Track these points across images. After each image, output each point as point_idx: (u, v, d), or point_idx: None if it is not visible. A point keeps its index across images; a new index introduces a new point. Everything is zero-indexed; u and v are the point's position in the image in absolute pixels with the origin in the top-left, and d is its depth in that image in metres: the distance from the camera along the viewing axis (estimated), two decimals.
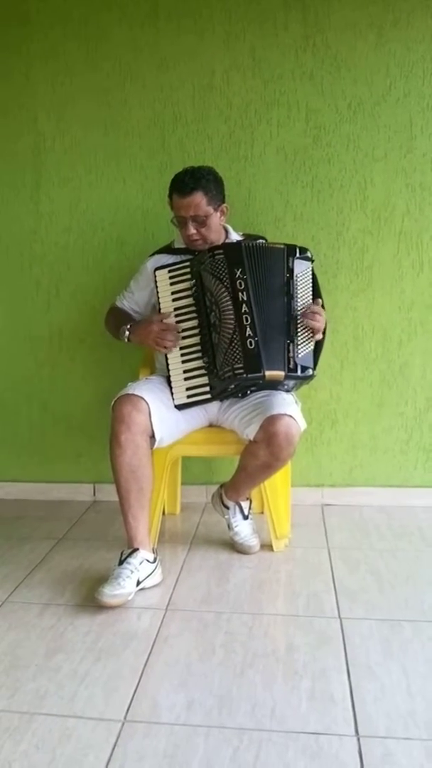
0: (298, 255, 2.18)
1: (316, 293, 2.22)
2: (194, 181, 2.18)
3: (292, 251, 2.17)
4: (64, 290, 2.86)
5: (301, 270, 2.18)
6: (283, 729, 1.43)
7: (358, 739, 1.39)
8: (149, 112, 2.70)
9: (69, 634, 1.82)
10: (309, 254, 2.22)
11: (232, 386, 2.13)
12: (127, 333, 2.27)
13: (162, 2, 2.63)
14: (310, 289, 2.20)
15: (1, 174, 2.81)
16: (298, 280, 2.16)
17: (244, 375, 2.06)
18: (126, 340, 2.28)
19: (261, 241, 2.38)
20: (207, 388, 2.17)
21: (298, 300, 2.15)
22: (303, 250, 2.20)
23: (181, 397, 2.19)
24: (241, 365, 2.06)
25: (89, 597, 2.02)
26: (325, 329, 2.20)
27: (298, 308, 2.14)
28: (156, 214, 2.73)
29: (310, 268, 2.22)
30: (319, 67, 2.60)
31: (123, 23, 2.66)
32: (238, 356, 2.07)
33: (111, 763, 1.33)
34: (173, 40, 2.64)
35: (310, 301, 2.19)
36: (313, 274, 2.23)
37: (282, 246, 2.18)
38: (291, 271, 2.15)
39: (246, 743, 1.38)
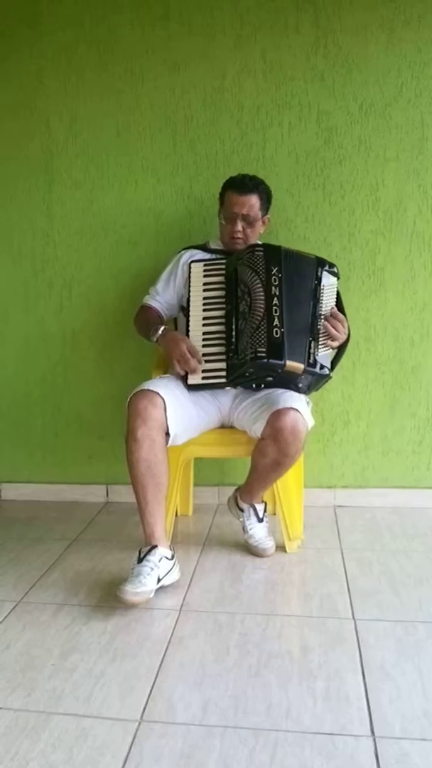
0: (327, 268, 2.27)
1: (340, 309, 2.28)
2: (254, 184, 2.34)
3: (322, 263, 2.27)
4: (76, 292, 2.87)
5: (328, 283, 2.25)
6: (299, 729, 1.43)
7: (374, 740, 1.40)
8: (161, 114, 2.71)
9: (84, 634, 1.83)
10: (336, 270, 2.31)
11: (251, 370, 2.13)
12: (159, 333, 2.27)
13: (173, 4, 2.64)
14: (334, 302, 2.26)
15: (14, 176, 2.83)
16: (324, 289, 2.23)
17: (266, 359, 2.08)
18: (155, 340, 2.29)
19: None
20: (223, 373, 2.18)
21: (323, 306, 2.21)
22: (332, 265, 2.29)
23: (196, 378, 2.19)
24: (264, 349, 2.09)
25: (104, 598, 2.03)
26: (346, 343, 2.26)
27: (323, 313, 2.21)
28: (167, 216, 2.74)
29: (336, 284, 2.29)
30: (331, 69, 2.60)
31: (135, 25, 2.67)
32: (262, 341, 2.10)
33: (128, 762, 1.34)
34: (185, 43, 2.65)
35: (333, 308, 2.25)
36: (338, 292, 2.30)
37: (313, 257, 2.28)
38: (319, 279, 2.23)
39: (262, 743, 1.39)
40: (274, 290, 2.15)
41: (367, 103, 2.61)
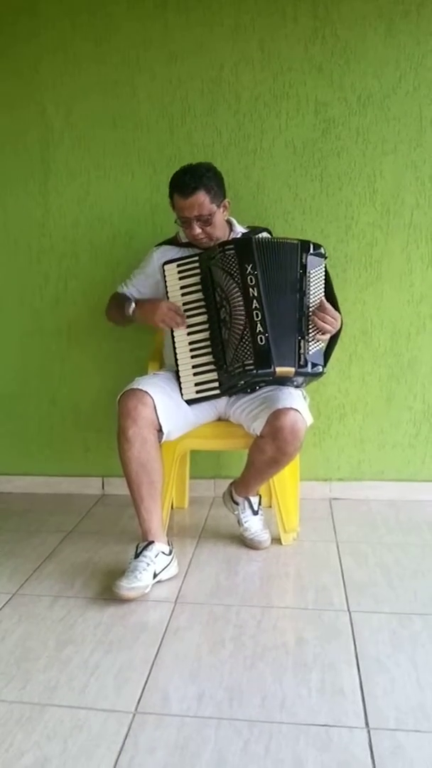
0: (311, 251, 2.17)
1: (330, 292, 2.21)
2: (195, 180, 2.16)
3: (306, 247, 2.16)
4: (72, 284, 2.86)
5: (314, 266, 2.17)
6: (294, 721, 1.43)
7: (368, 732, 1.40)
8: (158, 105, 2.69)
9: (79, 626, 1.83)
10: (322, 251, 2.21)
11: (242, 382, 2.13)
12: (133, 306, 2.27)
13: None
14: (323, 285, 2.19)
15: (10, 167, 2.81)
16: (311, 276, 2.15)
17: (255, 371, 2.06)
18: (130, 312, 2.27)
19: (265, 234, 2.37)
20: (216, 384, 2.17)
21: (310, 296, 2.14)
22: (317, 246, 2.19)
23: (190, 393, 2.19)
24: (251, 361, 2.06)
25: (99, 590, 2.03)
26: (339, 332, 2.20)
27: (310, 305, 2.14)
28: (164, 208, 2.69)
29: (324, 265, 2.21)
30: (329, 60, 2.59)
31: (131, 16, 2.65)
32: (248, 352, 2.07)
33: (122, 754, 1.34)
34: (182, 33, 2.63)
35: (322, 297, 2.18)
36: (327, 272, 2.22)
37: (296, 241, 2.17)
38: (304, 267, 2.14)
39: (257, 735, 1.39)
40: (252, 292, 2.08)
41: (366, 95, 2.59)
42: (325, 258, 2.22)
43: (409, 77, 2.57)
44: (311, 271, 2.15)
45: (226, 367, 2.12)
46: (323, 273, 2.21)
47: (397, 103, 2.59)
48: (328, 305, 2.15)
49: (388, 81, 2.58)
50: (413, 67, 2.56)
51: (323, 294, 2.19)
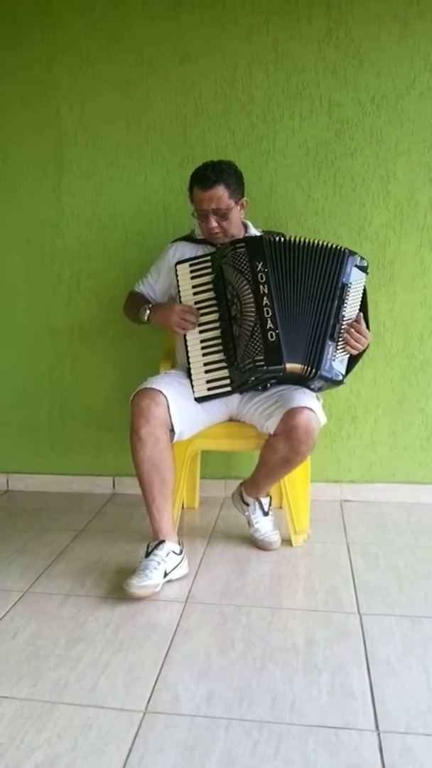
0: (358, 263, 2.18)
1: (365, 309, 2.21)
2: (216, 174, 2.19)
3: (354, 257, 2.17)
4: (84, 284, 2.87)
5: (356, 278, 2.18)
6: (303, 723, 1.43)
7: (378, 734, 1.39)
8: (171, 105, 2.69)
9: (90, 624, 1.84)
10: (366, 264, 2.21)
11: (253, 378, 2.13)
12: (148, 312, 2.28)
13: None
14: (360, 299, 2.19)
15: (23, 166, 2.82)
16: (351, 287, 2.15)
17: (265, 367, 2.06)
18: (146, 318, 2.29)
19: (277, 236, 2.36)
20: (227, 381, 2.17)
21: (347, 306, 2.14)
22: (362, 259, 2.20)
23: (202, 390, 2.19)
24: (261, 357, 2.06)
25: (110, 588, 2.03)
26: (366, 349, 2.20)
27: (346, 315, 2.14)
28: (177, 209, 2.73)
29: (364, 279, 2.21)
30: (342, 61, 2.58)
31: (145, 15, 2.65)
32: (258, 348, 2.07)
33: (132, 753, 1.34)
34: (196, 33, 2.63)
35: (357, 310, 2.18)
36: (364, 289, 2.22)
37: (346, 249, 2.17)
38: (348, 276, 2.15)
39: (266, 736, 1.39)
40: (263, 289, 2.08)
41: (379, 96, 2.59)
42: (367, 273, 2.22)
43: (424, 78, 2.56)
44: (352, 282, 2.16)
45: (237, 363, 2.12)
46: (362, 287, 2.21)
47: (411, 104, 2.58)
48: (362, 325, 2.16)
49: (402, 82, 2.57)
50: (428, 68, 2.55)
51: (358, 307, 2.19)
